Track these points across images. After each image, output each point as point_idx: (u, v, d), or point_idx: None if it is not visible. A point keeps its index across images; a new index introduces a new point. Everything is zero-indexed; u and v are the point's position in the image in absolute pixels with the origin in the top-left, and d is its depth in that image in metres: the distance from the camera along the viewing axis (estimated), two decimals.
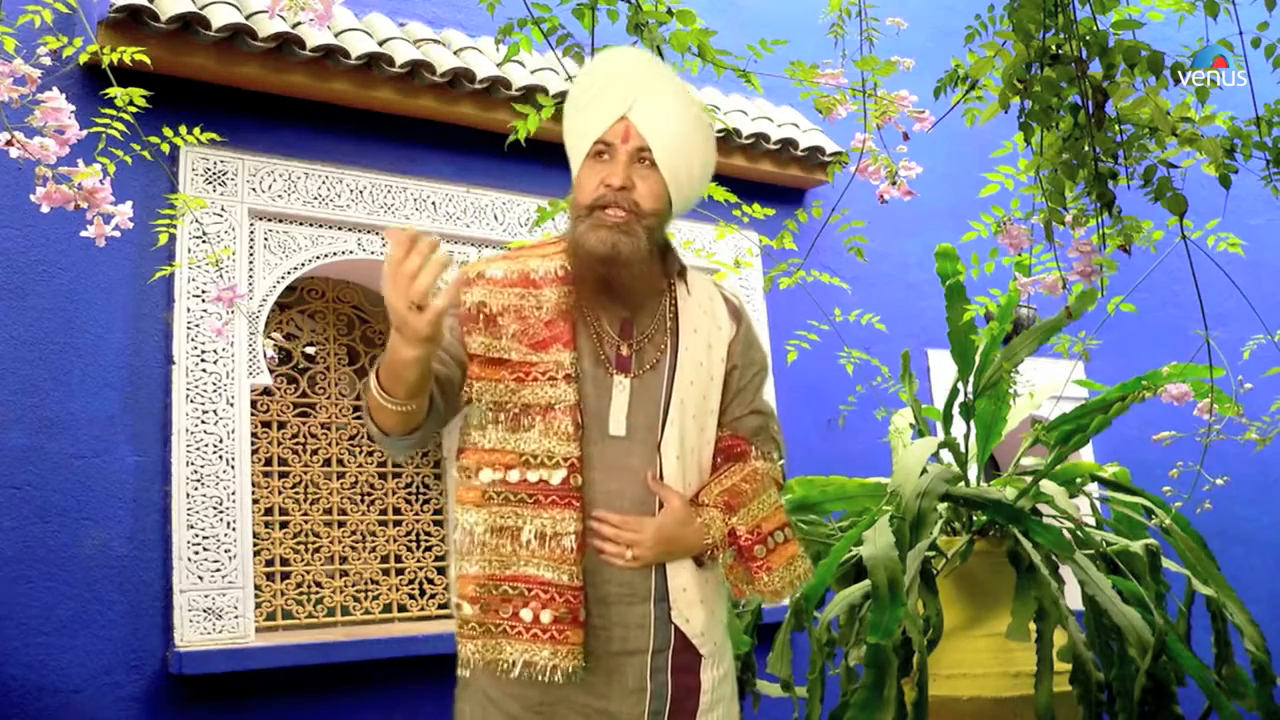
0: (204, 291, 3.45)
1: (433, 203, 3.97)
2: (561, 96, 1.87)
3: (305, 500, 3.80)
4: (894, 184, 2.50)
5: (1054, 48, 1.84)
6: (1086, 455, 5.20)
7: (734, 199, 2.74)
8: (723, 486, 1.71)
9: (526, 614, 1.58)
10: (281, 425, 3.82)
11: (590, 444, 1.64)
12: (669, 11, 2.28)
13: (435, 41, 4.00)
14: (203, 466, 3.34)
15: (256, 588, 3.53)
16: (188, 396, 3.36)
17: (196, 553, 3.28)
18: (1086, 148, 1.87)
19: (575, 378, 1.64)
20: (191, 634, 3.21)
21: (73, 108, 2.02)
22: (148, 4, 3.28)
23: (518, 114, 2.46)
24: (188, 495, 3.30)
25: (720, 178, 2.18)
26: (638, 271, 1.66)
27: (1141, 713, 2.51)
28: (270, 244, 3.63)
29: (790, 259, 2.70)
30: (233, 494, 3.37)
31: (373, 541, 3.89)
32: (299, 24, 3.48)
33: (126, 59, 2.31)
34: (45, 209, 2.05)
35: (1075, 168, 1.89)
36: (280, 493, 3.75)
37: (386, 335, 1.53)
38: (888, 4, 2.50)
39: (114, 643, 3.15)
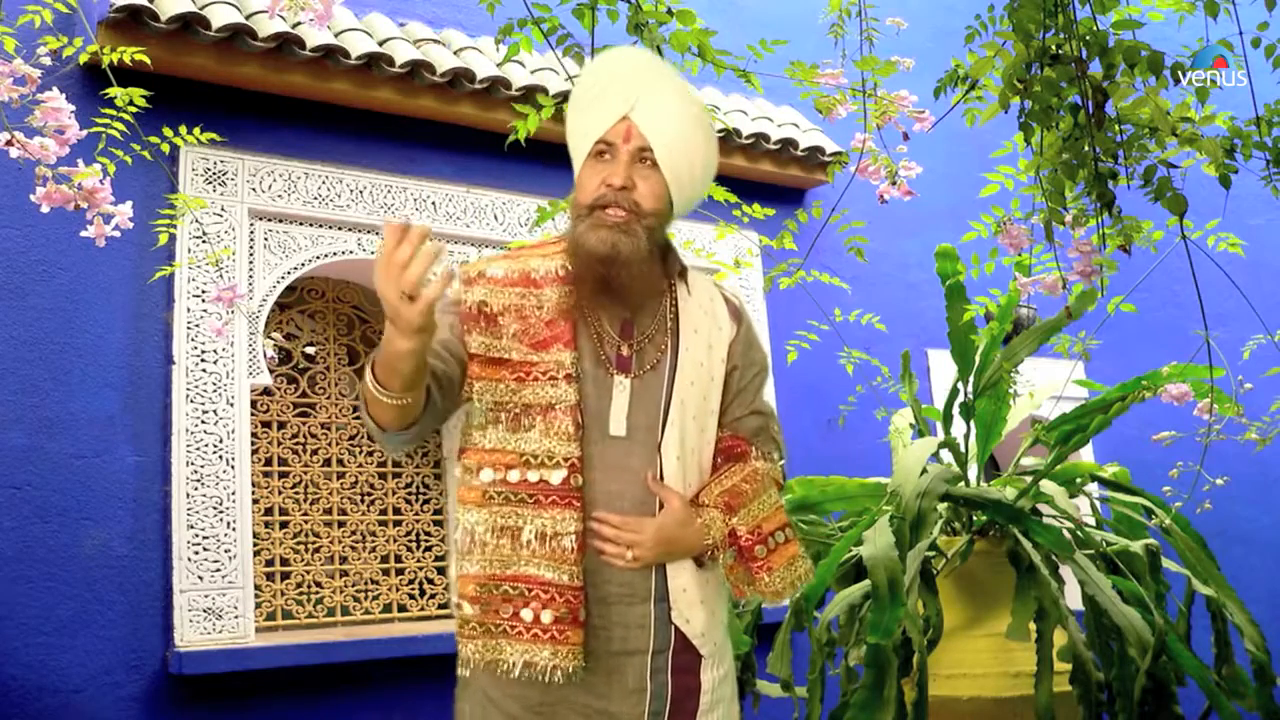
0: (204, 291, 3.45)
1: (433, 203, 3.97)
2: (561, 96, 1.87)
3: (305, 500, 3.80)
4: (894, 184, 2.50)
5: (1054, 48, 1.84)
6: (1086, 455, 5.20)
7: (734, 199, 2.74)
8: (723, 487, 1.71)
9: (527, 614, 1.58)
10: (281, 425, 3.82)
11: (590, 444, 1.64)
12: (669, 11, 2.28)
13: (435, 41, 4.00)
14: (203, 466, 3.34)
15: (256, 588, 3.53)
16: (188, 396, 3.36)
17: (196, 553, 3.28)
18: (1086, 148, 1.87)
19: (576, 378, 1.64)
20: (191, 634, 3.22)
21: (73, 108, 2.02)
22: (148, 4, 3.28)
23: (518, 114, 2.46)
24: (188, 495, 3.30)
25: (720, 178, 2.18)
26: (637, 271, 1.66)
27: (1141, 713, 2.51)
28: (270, 244, 3.63)
29: (790, 259, 2.70)
30: (233, 494, 3.37)
31: (373, 541, 3.89)
32: (299, 24, 3.48)
33: (126, 59, 2.31)
34: (45, 209, 2.05)
35: (1075, 168, 1.89)
36: (280, 493, 3.75)
37: None
38: (888, 4, 2.50)
39: (114, 643, 3.15)
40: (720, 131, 4.05)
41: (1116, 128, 1.89)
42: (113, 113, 2.21)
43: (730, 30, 2.74)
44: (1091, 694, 2.49)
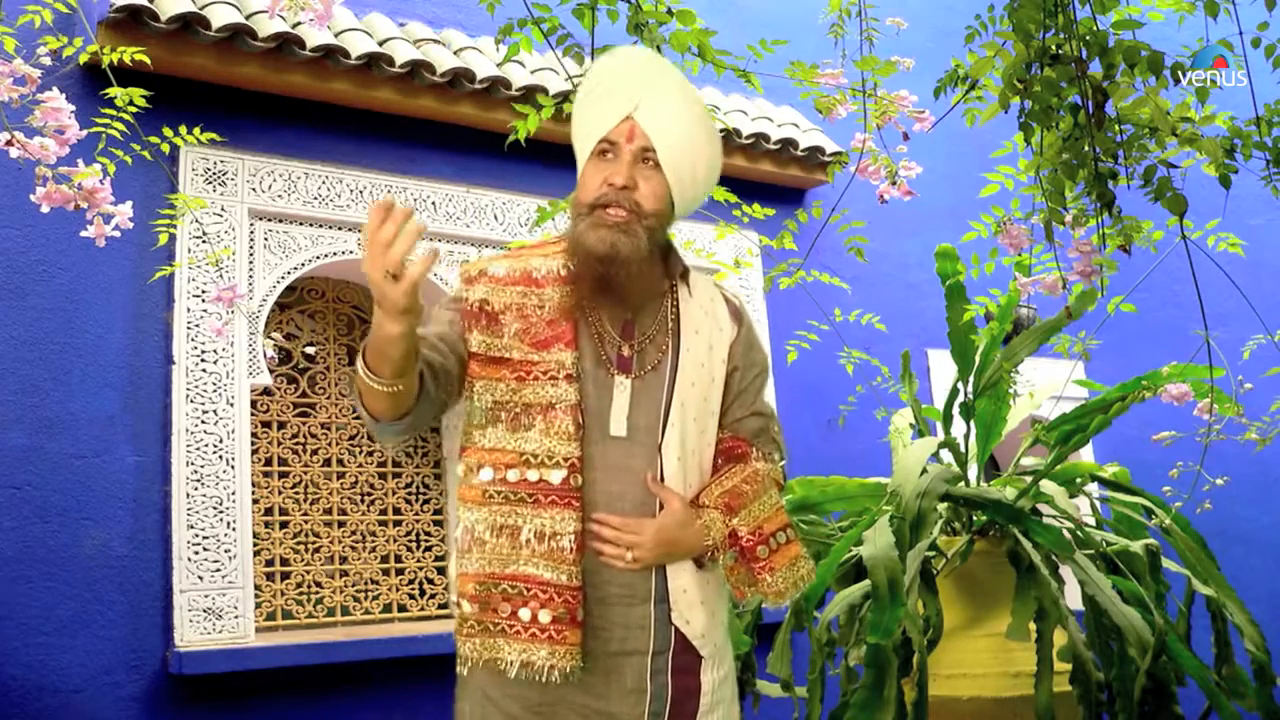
0: (204, 291, 3.45)
1: (433, 203, 3.98)
2: (561, 97, 1.87)
3: (305, 500, 3.80)
4: (894, 184, 2.49)
5: (1054, 48, 1.84)
6: (1086, 455, 5.20)
7: (734, 199, 2.74)
8: (723, 488, 1.71)
9: (525, 613, 1.58)
10: (281, 425, 3.82)
11: (591, 444, 1.64)
12: (669, 11, 2.29)
13: (435, 41, 4.00)
14: (203, 466, 3.34)
15: (256, 588, 3.53)
16: (188, 396, 3.36)
17: (196, 553, 3.28)
18: (1086, 148, 1.87)
19: (576, 377, 1.64)
20: (191, 634, 3.21)
21: (73, 108, 2.02)
22: (148, 4, 3.28)
23: (518, 114, 2.46)
24: (188, 495, 3.30)
25: (720, 178, 2.18)
26: (636, 271, 1.66)
27: (1141, 713, 2.51)
28: (270, 244, 3.63)
29: (790, 259, 2.70)
30: (233, 494, 3.37)
31: (373, 541, 3.89)
32: (299, 24, 3.48)
33: (126, 59, 2.31)
34: (45, 209, 2.05)
35: (1075, 168, 1.89)
36: (280, 493, 3.75)
37: None
38: (888, 4, 2.50)
39: (114, 643, 3.15)
40: (720, 131, 4.05)
41: (1116, 128, 1.89)
42: (113, 113, 2.21)
43: (730, 30, 2.74)
44: (1091, 694, 2.49)
